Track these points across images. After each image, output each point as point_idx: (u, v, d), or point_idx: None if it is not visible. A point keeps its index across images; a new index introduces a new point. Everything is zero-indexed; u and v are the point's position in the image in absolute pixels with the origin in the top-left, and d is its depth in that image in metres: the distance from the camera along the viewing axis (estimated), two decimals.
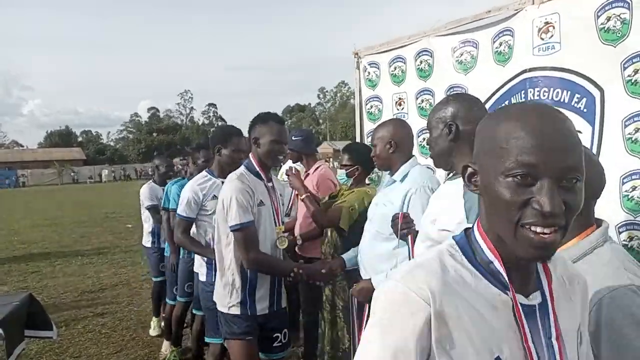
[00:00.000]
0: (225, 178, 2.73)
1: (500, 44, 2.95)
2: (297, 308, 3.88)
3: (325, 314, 3.18)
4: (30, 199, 27.33)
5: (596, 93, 2.45)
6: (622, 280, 1.18)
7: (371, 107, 4.08)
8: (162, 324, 4.61)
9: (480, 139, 0.90)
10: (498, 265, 0.86)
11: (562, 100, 2.60)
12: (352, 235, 2.76)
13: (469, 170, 0.91)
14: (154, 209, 4.64)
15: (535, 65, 2.72)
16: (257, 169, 2.56)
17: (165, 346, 4.32)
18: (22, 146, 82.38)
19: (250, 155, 2.62)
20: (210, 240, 3.08)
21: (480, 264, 0.88)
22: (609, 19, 2.37)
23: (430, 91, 3.48)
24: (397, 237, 2.05)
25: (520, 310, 0.85)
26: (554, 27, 2.62)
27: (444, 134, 1.78)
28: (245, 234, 2.40)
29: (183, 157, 4.99)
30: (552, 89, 2.64)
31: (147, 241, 4.78)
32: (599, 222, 1.35)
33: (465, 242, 0.92)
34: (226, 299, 2.49)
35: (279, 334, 2.63)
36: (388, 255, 2.30)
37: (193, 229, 3.24)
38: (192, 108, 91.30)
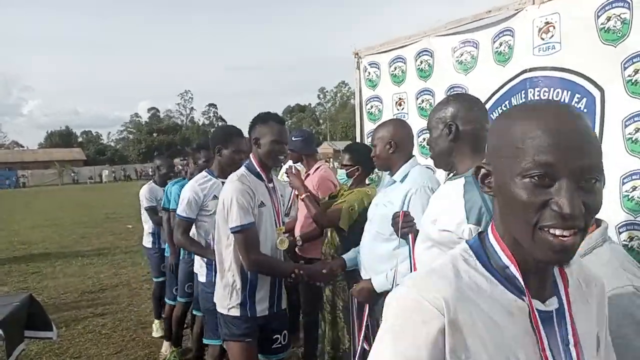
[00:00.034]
0: (225, 178, 2.72)
1: (501, 44, 2.95)
2: (297, 308, 3.88)
3: (325, 314, 3.18)
4: (30, 200, 27.33)
5: (596, 93, 2.45)
6: (621, 281, 1.18)
7: (371, 107, 4.08)
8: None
9: (494, 138, 0.86)
10: (514, 270, 0.84)
11: (562, 100, 2.59)
12: (352, 235, 2.76)
13: (483, 171, 0.88)
14: (152, 210, 4.63)
15: (536, 65, 2.72)
16: (258, 169, 2.55)
17: (165, 347, 4.32)
18: (23, 147, 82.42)
19: (250, 155, 2.60)
20: (211, 240, 3.07)
21: (495, 268, 0.85)
22: (609, 18, 2.37)
23: (431, 91, 3.48)
24: (397, 235, 2.05)
25: (537, 316, 0.82)
26: (554, 27, 2.62)
27: (444, 134, 1.79)
28: (246, 236, 2.39)
29: (183, 158, 4.98)
30: (552, 89, 2.64)
31: (147, 242, 4.78)
32: (598, 222, 1.35)
33: (479, 246, 0.89)
34: (226, 300, 2.48)
35: (278, 336, 2.62)
36: (388, 256, 2.30)
37: (193, 230, 3.23)
38: (192, 108, 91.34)
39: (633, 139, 2.29)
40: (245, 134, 2.79)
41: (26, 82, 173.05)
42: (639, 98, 2.28)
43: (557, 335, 0.84)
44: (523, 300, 0.83)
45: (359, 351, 2.57)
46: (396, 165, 2.39)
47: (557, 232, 0.76)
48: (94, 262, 8.53)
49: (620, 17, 2.32)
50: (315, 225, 3.34)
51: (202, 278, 3.16)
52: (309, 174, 3.78)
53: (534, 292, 0.84)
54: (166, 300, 4.36)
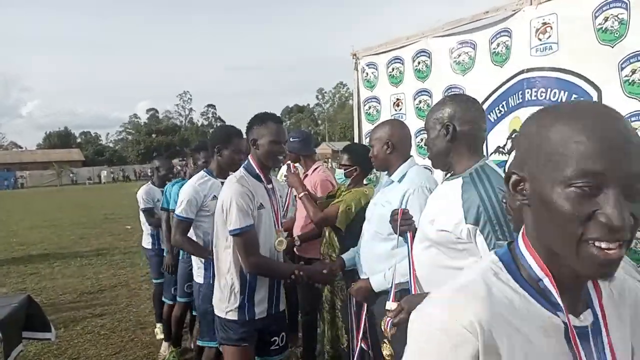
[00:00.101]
0: (224, 178, 2.71)
1: (498, 45, 2.95)
2: (296, 308, 3.88)
3: (324, 313, 3.19)
4: (29, 200, 27.30)
5: (594, 93, 2.45)
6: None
7: (369, 107, 4.09)
8: None
9: (527, 142, 0.79)
10: (548, 283, 0.78)
11: (559, 100, 2.60)
12: (351, 235, 2.76)
13: (514, 177, 0.81)
14: (148, 212, 4.62)
15: (533, 65, 2.73)
16: (257, 171, 2.52)
17: (164, 347, 4.32)
18: (21, 147, 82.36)
19: (249, 157, 2.57)
20: (210, 241, 3.05)
21: (528, 282, 0.80)
22: (606, 19, 2.38)
23: (428, 92, 3.49)
24: (396, 233, 2.05)
25: (575, 334, 0.77)
26: (551, 28, 2.62)
27: (441, 135, 1.79)
28: (246, 238, 2.37)
29: (182, 158, 4.98)
30: (549, 90, 2.65)
31: (147, 243, 4.76)
32: None
33: (509, 257, 0.83)
34: (224, 303, 2.46)
35: (276, 338, 2.60)
36: (386, 256, 2.30)
37: (191, 230, 3.22)
38: (191, 109, 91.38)
39: None
40: (244, 134, 2.78)
41: (25, 83, 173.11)
42: (636, 98, 2.29)
43: (593, 353, 0.79)
44: (558, 316, 0.78)
45: (357, 352, 2.58)
46: (394, 166, 2.39)
47: (604, 245, 0.70)
48: (93, 263, 8.52)
49: (618, 18, 2.33)
50: (313, 226, 3.34)
51: (199, 279, 3.15)
52: (307, 175, 3.79)
53: (567, 305, 0.78)
54: (164, 299, 4.36)
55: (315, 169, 3.81)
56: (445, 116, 1.78)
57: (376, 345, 2.46)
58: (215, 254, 2.54)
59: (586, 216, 0.70)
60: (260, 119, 2.51)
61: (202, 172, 3.24)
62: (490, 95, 3.00)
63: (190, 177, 3.78)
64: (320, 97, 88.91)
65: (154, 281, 4.75)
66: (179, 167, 5.06)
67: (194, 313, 3.81)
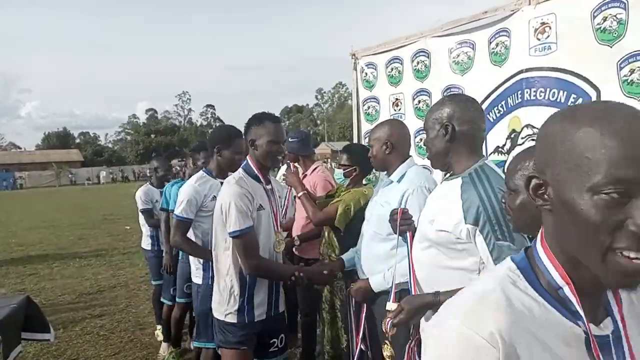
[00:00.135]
0: (223, 179, 2.69)
1: (497, 45, 2.96)
2: (295, 308, 3.88)
3: (324, 314, 3.18)
4: (27, 201, 27.27)
5: (592, 93, 2.46)
6: None
7: (368, 107, 4.09)
8: None
9: (550, 144, 0.75)
10: (568, 291, 0.76)
11: (558, 100, 2.61)
12: (350, 235, 2.76)
13: (535, 181, 0.77)
14: (147, 213, 4.60)
15: (532, 65, 2.73)
16: (256, 171, 2.49)
17: (164, 348, 4.31)
18: (20, 148, 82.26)
19: (247, 157, 2.54)
20: (209, 242, 3.04)
21: (547, 290, 0.78)
22: (605, 19, 2.38)
23: (427, 92, 3.49)
24: (395, 233, 2.05)
25: (597, 345, 0.75)
26: (550, 28, 2.63)
27: (440, 135, 1.79)
28: (245, 240, 2.34)
29: (181, 159, 4.97)
30: (548, 89, 2.65)
31: (146, 244, 4.74)
32: None
33: (526, 264, 0.81)
34: (223, 306, 2.43)
35: (275, 340, 2.57)
36: (385, 256, 2.30)
37: (190, 230, 3.21)
38: (190, 109, 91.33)
39: None
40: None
41: (24, 83, 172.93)
42: (635, 98, 2.29)
43: None
44: (579, 325, 0.75)
45: (357, 353, 2.57)
46: (393, 166, 2.39)
47: (632, 254, 0.67)
48: (92, 264, 8.51)
49: (616, 18, 2.34)
50: (312, 226, 3.34)
51: (197, 280, 3.14)
52: (305, 175, 3.78)
53: (588, 314, 0.76)
54: (163, 300, 4.35)
55: (315, 169, 3.80)
56: (444, 116, 1.78)
57: (375, 346, 2.46)
58: (214, 256, 2.52)
59: (615, 225, 0.67)
60: (258, 119, 2.48)
61: (201, 172, 3.22)
62: (489, 95, 3.00)
63: (189, 178, 3.78)
64: (319, 97, 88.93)
65: (153, 283, 4.73)
66: (178, 168, 5.04)
67: (194, 314, 3.79)
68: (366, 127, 4.10)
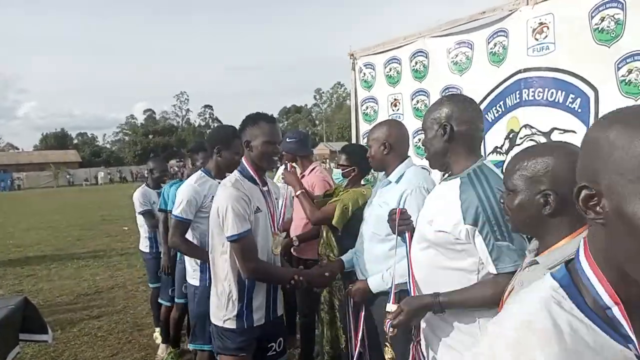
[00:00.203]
0: (222, 179, 2.67)
1: (495, 45, 2.96)
2: (294, 310, 3.88)
3: (323, 314, 3.18)
4: (25, 202, 27.20)
5: (590, 93, 2.46)
6: None
7: (367, 108, 4.09)
8: None
9: (603, 151, 0.68)
10: (618, 312, 0.70)
11: (556, 100, 2.61)
12: (348, 236, 2.76)
13: (586, 192, 0.70)
14: (148, 214, 4.56)
15: (530, 65, 2.73)
16: (252, 173, 2.44)
17: (162, 349, 4.29)
18: (18, 149, 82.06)
19: (242, 159, 2.49)
20: (206, 243, 3.02)
21: (593, 310, 0.72)
22: (603, 19, 2.38)
23: (426, 92, 3.49)
24: (394, 233, 2.04)
25: None
26: (548, 28, 2.63)
27: (438, 135, 1.79)
28: (244, 244, 2.28)
29: (179, 159, 4.95)
30: (546, 90, 2.65)
31: (144, 246, 4.70)
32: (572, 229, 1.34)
33: (570, 282, 0.75)
34: (221, 311, 2.39)
35: (273, 344, 2.54)
36: (384, 257, 2.30)
37: (188, 231, 3.20)
38: (188, 110, 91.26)
39: None
40: None
41: (22, 84, 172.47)
42: (633, 98, 2.30)
43: None
44: (629, 348, 0.70)
45: (356, 355, 2.56)
46: (391, 166, 2.39)
47: None
48: (90, 265, 8.49)
49: (614, 18, 2.34)
50: (311, 226, 3.34)
51: (194, 281, 3.12)
52: (303, 175, 3.78)
53: (638, 336, 0.71)
54: (161, 301, 4.34)
55: (312, 169, 3.79)
56: (443, 116, 1.78)
57: (373, 347, 2.46)
58: (210, 260, 2.48)
59: None
60: (253, 120, 2.42)
61: (199, 172, 3.19)
62: (487, 95, 3.00)
63: (188, 178, 3.76)
64: (317, 97, 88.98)
65: (151, 285, 4.70)
66: (176, 168, 5.02)
67: (190, 316, 3.78)
68: (364, 127, 4.09)
